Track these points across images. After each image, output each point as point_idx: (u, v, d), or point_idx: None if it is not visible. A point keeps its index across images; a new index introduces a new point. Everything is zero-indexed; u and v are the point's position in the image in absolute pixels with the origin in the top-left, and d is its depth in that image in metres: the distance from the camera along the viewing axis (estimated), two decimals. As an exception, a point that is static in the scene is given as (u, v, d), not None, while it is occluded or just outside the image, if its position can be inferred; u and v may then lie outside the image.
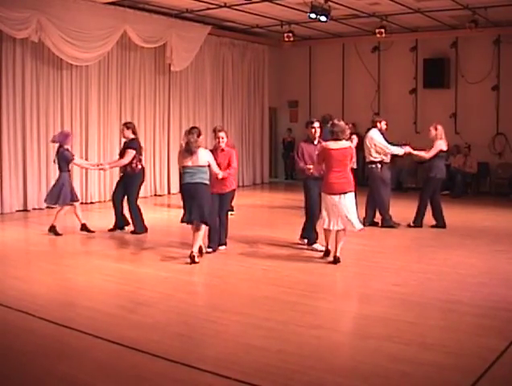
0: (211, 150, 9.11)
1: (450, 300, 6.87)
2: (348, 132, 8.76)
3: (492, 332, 5.79)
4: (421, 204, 11.48)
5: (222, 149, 9.28)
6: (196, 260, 8.51)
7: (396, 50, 18.28)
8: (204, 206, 8.57)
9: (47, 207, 12.78)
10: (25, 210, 13.32)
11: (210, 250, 9.26)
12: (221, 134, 9.29)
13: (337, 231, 8.57)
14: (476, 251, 9.54)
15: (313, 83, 20.11)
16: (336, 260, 8.48)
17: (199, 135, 8.76)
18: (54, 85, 13.86)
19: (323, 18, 14.14)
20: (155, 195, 16.46)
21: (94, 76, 14.65)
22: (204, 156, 8.67)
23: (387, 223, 11.34)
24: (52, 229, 10.68)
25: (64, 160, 10.66)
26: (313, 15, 13.92)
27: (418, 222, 11.43)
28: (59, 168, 10.70)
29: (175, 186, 16.92)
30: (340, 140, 8.51)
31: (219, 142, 9.26)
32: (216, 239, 9.35)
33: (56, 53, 13.28)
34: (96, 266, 8.58)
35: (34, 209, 13.44)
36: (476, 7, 14.46)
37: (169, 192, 16.87)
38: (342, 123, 8.71)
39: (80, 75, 14.34)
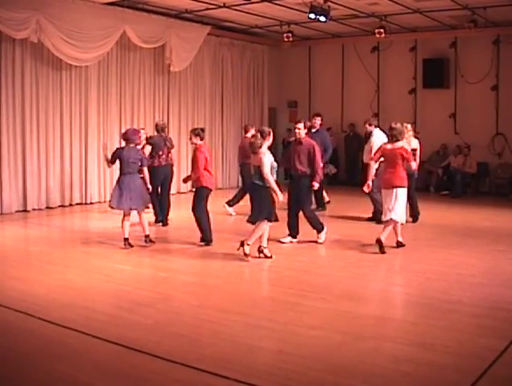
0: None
1: (450, 300, 6.87)
2: (404, 134, 9.75)
3: (492, 332, 5.79)
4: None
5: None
6: (247, 251, 8.75)
7: (395, 50, 18.26)
8: (265, 204, 8.81)
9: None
10: (24, 210, 13.30)
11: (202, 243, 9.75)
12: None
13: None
14: (476, 251, 9.54)
15: (313, 83, 20.10)
16: (399, 245, 9.62)
17: (264, 137, 8.96)
18: (53, 86, 13.84)
19: (322, 19, 14.13)
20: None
21: (94, 77, 14.64)
22: (259, 157, 8.81)
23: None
24: (147, 238, 9.76)
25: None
26: (312, 15, 13.91)
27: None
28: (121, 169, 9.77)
29: (174, 186, 16.87)
30: (397, 141, 9.39)
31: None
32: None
33: (56, 53, 13.27)
34: (95, 267, 8.57)
35: (33, 209, 13.42)
36: (475, 7, 14.45)
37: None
38: (399, 125, 9.53)
39: (80, 76, 14.32)
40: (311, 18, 14.24)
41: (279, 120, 20.95)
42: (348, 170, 18.98)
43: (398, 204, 9.29)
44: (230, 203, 13.32)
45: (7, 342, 5.63)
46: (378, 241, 9.21)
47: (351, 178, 18.42)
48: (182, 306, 6.75)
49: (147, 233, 9.66)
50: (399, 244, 9.63)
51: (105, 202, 14.83)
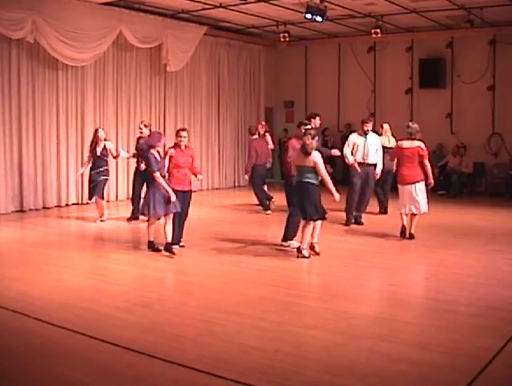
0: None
1: (446, 300, 6.88)
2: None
3: (488, 332, 5.80)
4: (376, 194, 12.94)
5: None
6: (306, 254, 8.89)
7: (392, 50, 18.29)
8: (314, 203, 8.92)
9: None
10: (21, 211, 13.28)
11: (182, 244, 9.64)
12: (183, 134, 9.61)
13: (412, 214, 10.18)
14: (473, 251, 9.55)
15: (309, 83, 20.11)
16: (411, 237, 10.20)
17: (313, 137, 9.00)
18: (50, 86, 13.82)
19: (319, 19, 14.13)
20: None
21: (90, 77, 14.62)
22: (311, 157, 8.88)
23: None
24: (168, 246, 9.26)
25: (149, 166, 9.22)
26: (309, 15, 13.91)
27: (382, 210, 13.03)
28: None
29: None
30: (414, 139, 10.22)
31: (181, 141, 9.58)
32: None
33: (52, 53, 13.25)
34: (92, 267, 8.57)
35: (30, 210, 13.39)
36: (471, 7, 14.49)
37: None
38: (416, 125, 10.37)
39: (76, 76, 14.31)
40: (307, 18, 14.24)
41: (276, 120, 20.95)
42: (345, 169, 18.94)
43: (421, 197, 10.11)
44: (266, 208, 13.45)
45: (4, 342, 5.62)
46: (411, 235, 10.19)
47: (347, 177, 18.38)
48: (178, 307, 6.75)
49: (169, 241, 9.18)
50: (411, 236, 10.22)
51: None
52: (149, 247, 9.38)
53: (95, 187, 11.89)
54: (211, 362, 5.07)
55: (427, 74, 17.53)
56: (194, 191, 17.66)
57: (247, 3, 14.16)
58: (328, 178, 8.95)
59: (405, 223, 10.25)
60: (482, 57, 16.91)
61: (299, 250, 8.97)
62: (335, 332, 5.84)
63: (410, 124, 10.48)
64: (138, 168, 11.91)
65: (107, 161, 11.99)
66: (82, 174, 12.70)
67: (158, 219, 9.25)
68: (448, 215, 12.87)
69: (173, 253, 9.01)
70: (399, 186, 10.30)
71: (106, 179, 12.11)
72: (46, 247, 9.97)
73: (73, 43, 13.39)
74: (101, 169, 11.87)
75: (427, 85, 17.60)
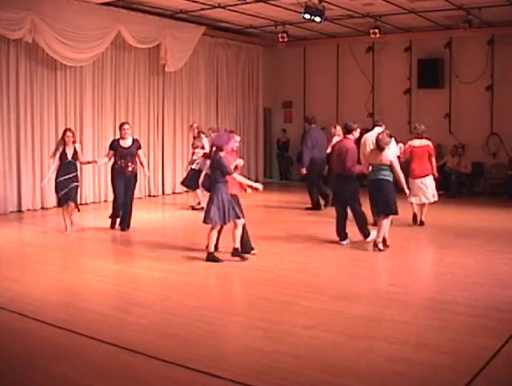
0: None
1: (445, 300, 6.88)
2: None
3: (486, 332, 5.80)
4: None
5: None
6: (381, 247, 9.27)
7: (390, 50, 18.29)
8: (390, 199, 9.28)
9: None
10: (19, 211, 13.28)
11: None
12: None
13: (422, 203, 11.58)
14: (471, 251, 9.55)
15: (307, 83, 20.11)
16: (421, 223, 11.57)
17: (390, 136, 9.49)
18: (48, 86, 13.82)
19: (317, 19, 14.14)
20: (149, 195, 16.41)
21: (88, 77, 14.62)
22: (386, 155, 9.30)
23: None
24: (236, 252, 8.82)
25: (220, 169, 8.57)
26: (307, 16, 13.91)
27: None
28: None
29: (169, 187, 16.92)
30: (422, 138, 11.61)
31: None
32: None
33: (50, 54, 13.25)
34: (90, 267, 8.56)
35: (28, 210, 13.40)
36: (470, 7, 14.49)
37: (163, 193, 16.84)
38: (423, 126, 11.67)
39: (75, 76, 14.30)
40: (306, 19, 14.24)
41: (274, 120, 20.97)
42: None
43: (430, 188, 11.58)
44: (328, 204, 13.65)
45: (2, 343, 5.61)
46: (421, 222, 11.55)
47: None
48: (177, 307, 6.73)
49: (237, 246, 8.79)
50: (422, 223, 11.57)
51: (99, 202, 14.83)
52: (208, 258, 8.64)
53: (68, 194, 10.59)
54: (209, 362, 5.06)
55: (425, 74, 17.54)
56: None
57: (246, 3, 14.16)
58: (401, 176, 9.45)
59: (416, 211, 11.61)
60: (481, 57, 16.92)
61: (375, 244, 9.34)
62: (333, 332, 5.84)
63: (417, 125, 11.90)
64: (124, 168, 10.94)
65: (76, 165, 10.87)
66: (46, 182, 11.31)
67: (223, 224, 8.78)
68: (446, 216, 12.86)
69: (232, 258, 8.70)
70: (410, 180, 11.29)
71: (78, 186, 10.90)
72: (44, 247, 9.97)
73: (72, 43, 13.39)
74: (72, 174, 10.66)
75: (426, 85, 17.60)
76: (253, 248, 9.08)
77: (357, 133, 10.15)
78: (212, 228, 8.63)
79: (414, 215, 11.65)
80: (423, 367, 4.96)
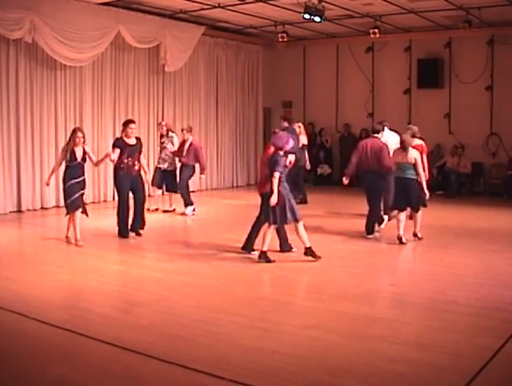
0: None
1: (445, 300, 6.87)
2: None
3: (487, 332, 5.80)
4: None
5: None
6: (404, 241, 9.80)
7: (390, 50, 18.29)
8: (412, 196, 9.89)
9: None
10: (19, 211, 13.26)
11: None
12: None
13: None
14: (471, 251, 9.55)
15: (307, 83, 20.10)
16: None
17: (413, 135, 10.16)
18: (48, 86, 13.80)
19: (317, 19, 14.12)
20: (148, 195, 16.34)
21: (88, 77, 14.60)
22: (411, 155, 9.81)
23: None
24: (308, 252, 8.75)
25: (272, 165, 8.56)
26: (307, 16, 13.90)
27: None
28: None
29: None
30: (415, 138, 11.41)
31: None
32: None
33: (50, 54, 13.23)
34: (90, 267, 8.54)
35: (28, 210, 13.38)
36: (469, 7, 14.48)
37: (163, 193, 16.78)
38: (416, 127, 11.42)
39: (74, 76, 14.29)
40: (305, 19, 14.24)
41: (274, 120, 20.93)
42: (343, 170, 18.95)
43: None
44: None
45: (1, 343, 5.60)
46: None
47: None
48: (177, 307, 6.73)
49: (308, 245, 8.72)
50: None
51: (98, 202, 14.82)
52: (261, 257, 8.61)
53: (76, 201, 9.77)
54: (209, 362, 5.05)
55: (425, 74, 17.53)
56: (193, 191, 17.74)
57: (245, 3, 14.14)
58: (423, 176, 9.94)
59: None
60: (480, 57, 16.92)
61: (399, 238, 9.78)
62: (334, 333, 5.83)
63: (410, 126, 11.71)
64: (130, 167, 10.41)
65: (84, 168, 10.03)
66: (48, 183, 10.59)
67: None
68: (446, 216, 12.86)
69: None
70: None
71: (83, 193, 10.02)
72: (44, 247, 9.95)
73: (71, 43, 13.37)
74: (80, 179, 9.86)
75: (426, 85, 17.59)
76: (253, 249, 9.12)
77: (381, 134, 11.06)
78: (268, 227, 8.68)
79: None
80: (423, 368, 4.95)
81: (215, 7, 14.91)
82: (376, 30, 16.09)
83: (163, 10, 15.39)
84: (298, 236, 8.66)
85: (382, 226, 10.81)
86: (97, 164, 10.55)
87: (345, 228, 11.51)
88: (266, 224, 8.71)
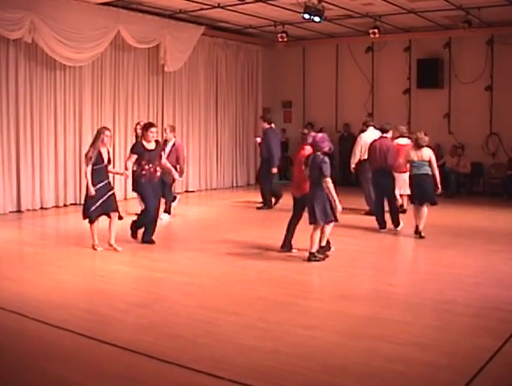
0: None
1: (444, 300, 6.88)
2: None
3: (486, 332, 5.80)
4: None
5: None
6: (423, 234, 10.28)
7: (390, 50, 18.29)
8: (428, 191, 10.40)
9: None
10: (18, 211, 13.26)
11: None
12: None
13: (408, 195, 12.12)
14: (471, 251, 9.56)
15: (307, 83, 20.11)
16: (404, 211, 12.50)
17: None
18: (47, 86, 13.80)
19: (316, 19, 14.12)
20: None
21: (88, 77, 14.60)
22: (426, 152, 10.37)
23: None
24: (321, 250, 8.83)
25: (322, 170, 8.49)
26: (307, 16, 13.90)
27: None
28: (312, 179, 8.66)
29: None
30: (405, 137, 12.79)
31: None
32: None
33: (50, 54, 13.23)
34: (89, 267, 8.55)
35: (27, 210, 13.38)
36: (469, 7, 14.48)
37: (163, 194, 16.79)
38: (404, 127, 13.05)
39: (74, 76, 14.29)
40: (305, 19, 14.23)
41: (274, 120, 20.90)
42: (343, 169, 18.96)
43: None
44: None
45: (1, 343, 5.60)
46: (404, 211, 12.48)
47: (345, 177, 18.41)
48: (177, 307, 6.73)
49: (323, 244, 8.80)
50: (404, 211, 12.45)
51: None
52: (310, 259, 8.62)
53: (107, 204, 9.36)
54: (209, 362, 5.06)
55: (424, 74, 17.54)
56: (193, 191, 17.74)
57: (245, 3, 14.14)
58: (437, 172, 10.48)
59: (402, 202, 12.67)
60: (480, 57, 16.92)
61: (417, 231, 10.30)
62: (333, 332, 5.84)
63: (400, 127, 13.11)
64: (152, 174, 9.80)
65: (108, 171, 9.58)
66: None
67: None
68: (446, 215, 12.85)
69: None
70: (396, 174, 11.57)
71: (113, 194, 9.56)
72: (43, 247, 9.95)
73: (71, 43, 13.37)
74: (106, 181, 9.41)
75: (425, 85, 17.60)
76: (292, 247, 9.34)
77: (389, 134, 11.69)
78: (316, 229, 8.62)
79: (401, 205, 12.58)
80: (422, 367, 4.96)
81: (214, 7, 14.91)
82: (376, 30, 16.09)
83: (162, 10, 15.39)
84: (313, 236, 8.63)
85: (398, 228, 11.08)
86: (110, 172, 9.71)
87: (345, 228, 11.51)
88: (313, 226, 8.63)
